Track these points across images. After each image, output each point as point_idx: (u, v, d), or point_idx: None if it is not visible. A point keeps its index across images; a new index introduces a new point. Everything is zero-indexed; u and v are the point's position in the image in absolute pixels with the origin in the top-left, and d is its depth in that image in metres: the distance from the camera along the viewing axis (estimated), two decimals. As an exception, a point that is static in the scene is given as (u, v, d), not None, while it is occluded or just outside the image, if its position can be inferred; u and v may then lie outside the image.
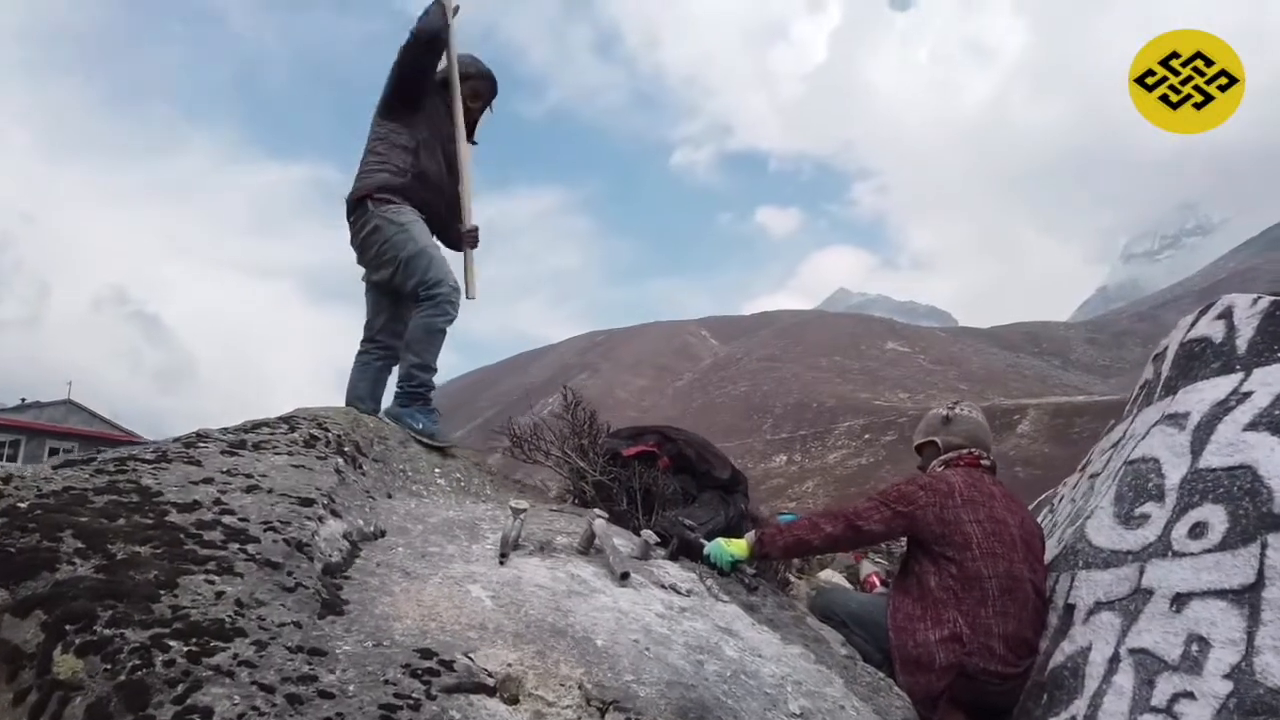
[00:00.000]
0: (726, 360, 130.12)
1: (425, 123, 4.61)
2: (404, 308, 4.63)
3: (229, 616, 1.98)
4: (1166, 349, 3.89)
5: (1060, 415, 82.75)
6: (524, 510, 3.08)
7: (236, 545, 2.32)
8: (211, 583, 2.10)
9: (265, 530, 2.45)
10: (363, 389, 4.65)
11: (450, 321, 4.46)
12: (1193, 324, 3.76)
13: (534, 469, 4.80)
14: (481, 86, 4.87)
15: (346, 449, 3.55)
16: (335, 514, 2.82)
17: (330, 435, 3.56)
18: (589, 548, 3.23)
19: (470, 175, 4.74)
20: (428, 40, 4.48)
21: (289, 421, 3.60)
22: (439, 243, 4.61)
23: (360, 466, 3.55)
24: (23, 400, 43.39)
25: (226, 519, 2.47)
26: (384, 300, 4.71)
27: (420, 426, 4.25)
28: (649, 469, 4.17)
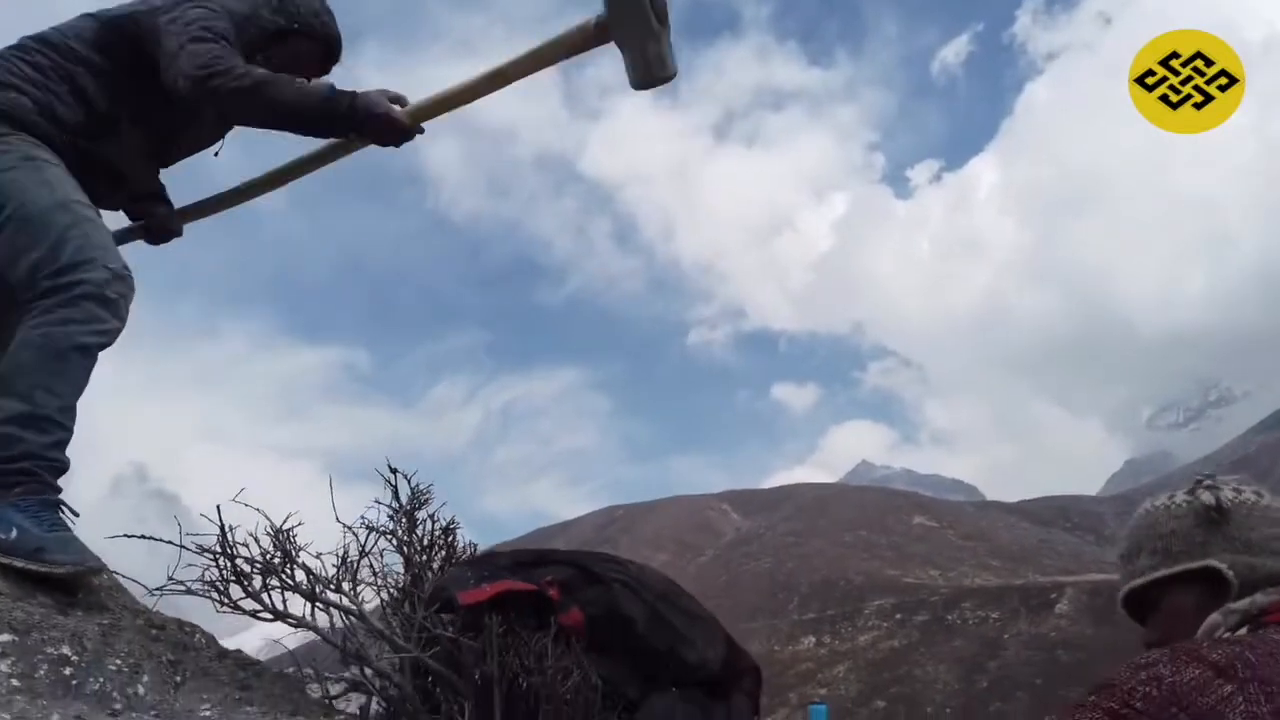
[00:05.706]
0: (749, 535, 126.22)
1: (163, 102, 2.63)
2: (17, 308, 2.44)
3: None
4: None
5: (1099, 594, 78.55)
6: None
7: None
8: None
9: None
10: None
11: (105, 337, 2.35)
12: None
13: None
14: (313, 52, 2.94)
15: None
16: None
17: None
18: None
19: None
20: (307, 119, 2.60)
21: None
22: (95, 212, 2.54)
23: None
24: None
25: None
26: None
27: (12, 535, 2.13)
28: (534, 635, 1.93)
